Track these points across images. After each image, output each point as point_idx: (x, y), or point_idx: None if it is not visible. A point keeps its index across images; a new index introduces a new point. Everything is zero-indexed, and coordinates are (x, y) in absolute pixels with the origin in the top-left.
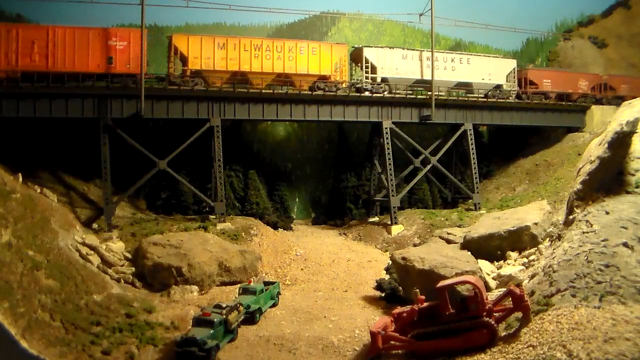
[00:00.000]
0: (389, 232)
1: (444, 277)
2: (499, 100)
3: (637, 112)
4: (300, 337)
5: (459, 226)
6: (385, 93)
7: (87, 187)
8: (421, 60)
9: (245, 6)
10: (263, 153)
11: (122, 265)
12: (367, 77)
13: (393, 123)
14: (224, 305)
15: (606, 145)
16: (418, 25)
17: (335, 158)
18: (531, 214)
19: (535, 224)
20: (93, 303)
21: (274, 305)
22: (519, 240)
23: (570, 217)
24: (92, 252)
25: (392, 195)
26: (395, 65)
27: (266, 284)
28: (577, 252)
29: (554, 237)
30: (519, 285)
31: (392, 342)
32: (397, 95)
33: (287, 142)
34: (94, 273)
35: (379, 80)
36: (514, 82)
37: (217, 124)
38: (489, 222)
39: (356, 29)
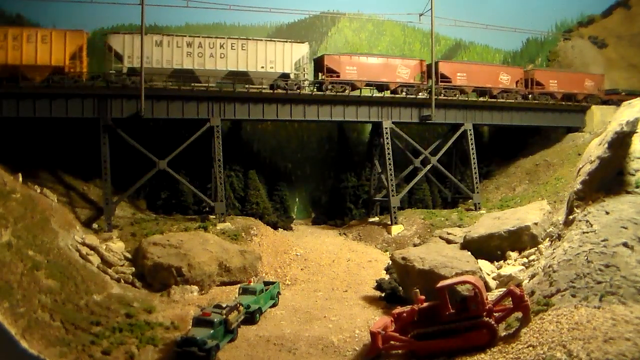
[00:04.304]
0: (389, 232)
1: (444, 277)
2: (499, 100)
3: (637, 112)
4: (300, 337)
5: (459, 226)
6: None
7: (87, 187)
8: (181, 47)
9: (245, 6)
10: (263, 153)
11: (122, 265)
12: (110, 68)
13: (393, 123)
14: (224, 305)
15: (606, 145)
16: (418, 25)
17: (335, 158)
18: (531, 214)
19: (535, 224)
20: (93, 303)
21: (274, 305)
22: (519, 240)
23: (570, 217)
24: (92, 252)
25: (392, 195)
26: (147, 53)
27: (266, 284)
28: (577, 252)
29: (554, 237)
30: (519, 285)
31: (392, 342)
32: (397, 96)
33: (287, 142)
34: (94, 273)
35: (125, 70)
36: (306, 71)
37: (217, 124)
38: (489, 222)
39: (356, 29)
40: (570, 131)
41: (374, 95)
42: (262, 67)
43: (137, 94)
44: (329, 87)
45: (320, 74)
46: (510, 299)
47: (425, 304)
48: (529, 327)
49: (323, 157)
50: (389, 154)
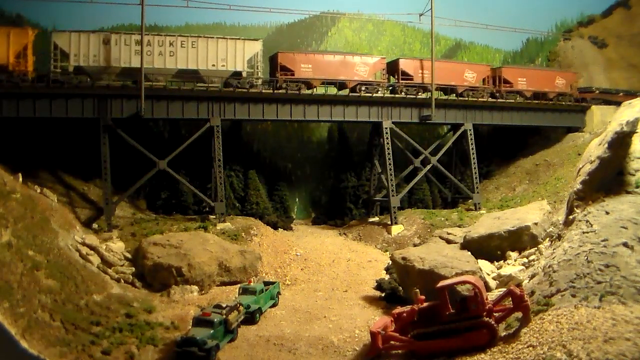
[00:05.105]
0: (389, 232)
1: (444, 277)
2: (496, 100)
3: (637, 112)
4: (300, 337)
5: (459, 226)
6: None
7: (87, 187)
8: (129, 45)
9: (245, 6)
10: (263, 153)
11: (122, 265)
12: (55, 67)
13: (393, 123)
14: (224, 305)
15: (606, 145)
16: (418, 25)
17: (335, 158)
18: (531, 214)
19: (535, 224)
20: (93, 303)
21: (274, 305)
22: (519, 240)
23: (570, 217)
24: (92, 252)
25: (392, 195)
26: (94, 52)
27: (266, 284)
28: (577, 252)
29: (554, 237)
30: (519, 285)
31: (392, 342)
32: (397, 95)
33: (287, 142)
34: (94, 273)
35: (71, 69)
36: (259, 69)
37: (217, 124)
38: (489, 222)
39: (356, 29)
40: (570, 131)
41: (374, 95)
42: (213, 65)
43: (137, 94)
44: (284, 85)
45: (276, 72)
46: (510, 299)
47: (425, 304)
48: (529, 327)
49: (323, 157)
50: (389, 154)
